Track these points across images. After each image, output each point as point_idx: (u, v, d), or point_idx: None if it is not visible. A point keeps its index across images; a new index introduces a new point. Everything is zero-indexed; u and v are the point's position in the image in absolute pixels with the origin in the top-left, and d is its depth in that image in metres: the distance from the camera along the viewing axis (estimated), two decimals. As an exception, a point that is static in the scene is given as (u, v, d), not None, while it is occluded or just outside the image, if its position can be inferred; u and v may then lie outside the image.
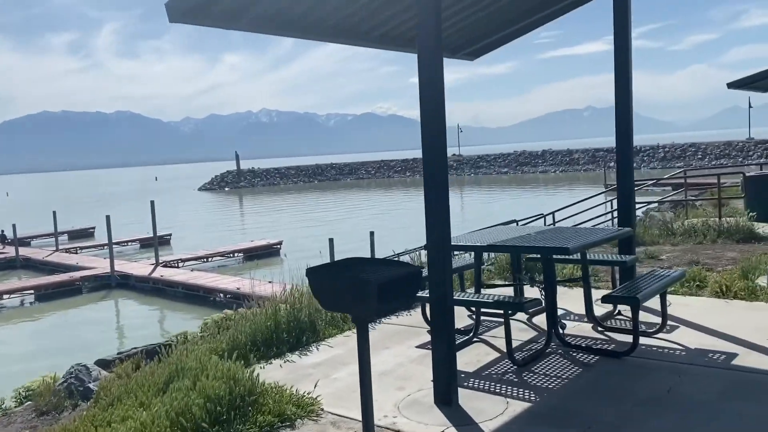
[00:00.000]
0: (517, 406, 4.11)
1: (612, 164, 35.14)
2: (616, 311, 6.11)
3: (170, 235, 31.37)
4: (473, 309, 5.86)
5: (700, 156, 61.43)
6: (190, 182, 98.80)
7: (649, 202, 16.75)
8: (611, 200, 16.71)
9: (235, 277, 19.56)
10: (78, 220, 40.46)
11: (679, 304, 6.27)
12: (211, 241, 29.12)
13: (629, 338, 4.98)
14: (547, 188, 52.13)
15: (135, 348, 5.66)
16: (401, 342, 5.63)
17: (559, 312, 6.17)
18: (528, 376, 4.63)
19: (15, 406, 5.37)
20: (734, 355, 4.77)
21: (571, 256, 5.45)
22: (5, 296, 19.75)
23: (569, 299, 6.63)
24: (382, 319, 6.33)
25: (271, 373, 5.01)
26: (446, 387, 4.16)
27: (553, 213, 14.32)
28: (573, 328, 5.72)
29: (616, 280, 6.50)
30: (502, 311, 4.92)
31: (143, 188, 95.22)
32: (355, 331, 3.71)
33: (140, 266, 22.85)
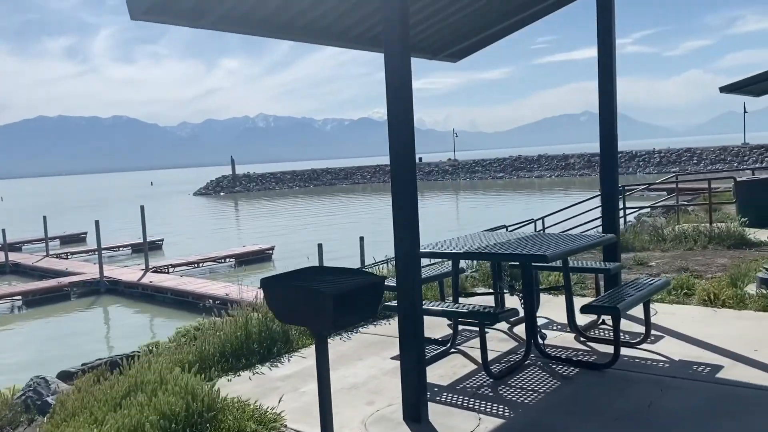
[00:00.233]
0: (490, 423, 3.90)
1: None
2: (600, 320, 5.91)
3: (162, 240, 31.25)
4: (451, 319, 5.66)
5: (695, 161, 61.35)
6: (185, 187, 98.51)
7: (641, 207, 16.58)
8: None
9: (225, 282, 19.33)
10: (71, 225, 40.22)
11: (666, 313, 6.08)
12: (203, 246, 28.90)
13: (612, 349, 4.79)
14: (543, 193, 51.96)
15: (99, 359, 5.43)
16: (377, 353, 5.42)
17: (542, 321, 5.97)
18: (504, 390, 4.43)
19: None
20: (719, 368, 4.58)
21: (552, 264, 5.26)
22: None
23: (553, 308, 6.44)
24: (359, 329, 6.12)
25: (238, 386, 4.80)
26: (415, 402, 3.95)
27: (542, 218, 14.13)
28: (555, 339, 5.52)
29: (600, 288, 6.31)
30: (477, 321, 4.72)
31: (139, 193, 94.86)
32: (330, 341, 3.53)
33: (130, 272, 22.64)
